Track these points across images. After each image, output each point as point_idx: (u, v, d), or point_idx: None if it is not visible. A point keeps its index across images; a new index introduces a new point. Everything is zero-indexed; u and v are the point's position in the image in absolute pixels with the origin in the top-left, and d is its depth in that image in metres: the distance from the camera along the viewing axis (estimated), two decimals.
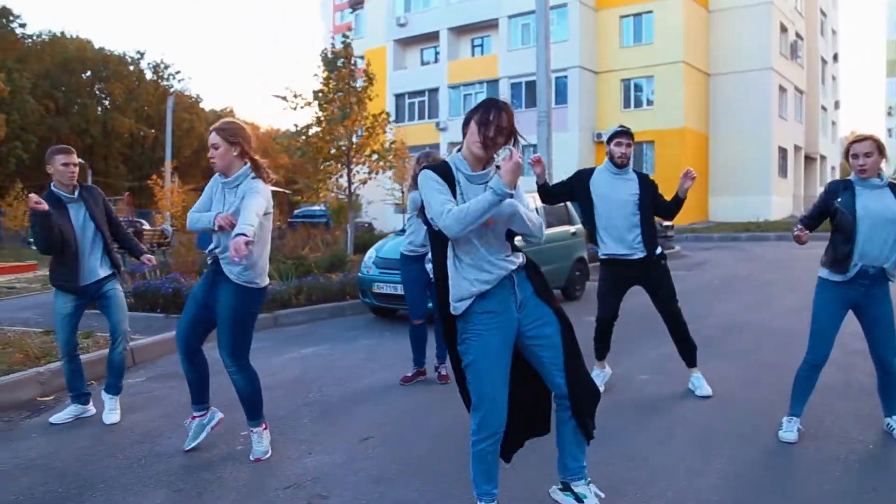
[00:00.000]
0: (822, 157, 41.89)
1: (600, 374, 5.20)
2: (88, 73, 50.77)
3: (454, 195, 2.76)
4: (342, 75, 13.80)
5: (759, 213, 30.22)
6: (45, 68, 46.96)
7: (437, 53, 37.06)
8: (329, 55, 13.96)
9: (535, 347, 2.89)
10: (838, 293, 3.94)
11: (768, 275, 12.93)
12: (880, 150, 3.79)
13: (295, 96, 13.89)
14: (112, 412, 4.59)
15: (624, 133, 4.91)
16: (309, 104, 13.87)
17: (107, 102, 51.30)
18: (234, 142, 3.75)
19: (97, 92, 51.51)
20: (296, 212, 28.23)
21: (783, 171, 34.16)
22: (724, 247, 21.48)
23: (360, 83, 14.36)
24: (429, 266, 5.36)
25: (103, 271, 4.61)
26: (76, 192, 4.52)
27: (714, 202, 33.17)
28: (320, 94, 13.79)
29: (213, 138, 3.76)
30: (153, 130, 48.99)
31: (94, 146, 48.01)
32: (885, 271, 3.85)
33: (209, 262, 3.90)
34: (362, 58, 36.39)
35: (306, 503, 3.27)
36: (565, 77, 31.88)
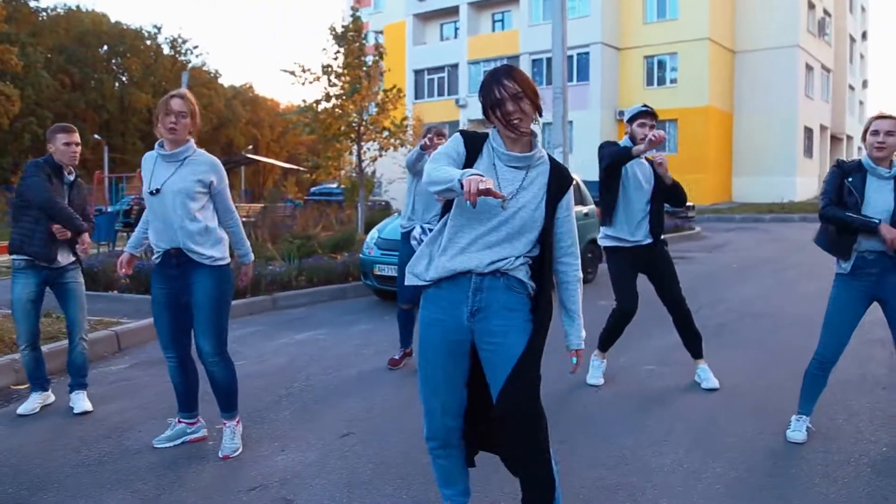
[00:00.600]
0: (849, 138, 40.96)
1: (600, 366, 4.96)
2: (105, 47, 50.81)
3: (470, 165, 2.38)
4: (352, 50, 13.48)
5: (784, 193, 29.72)
6: (59, 43, 47.05)
7: (456, 28, 36.51)
8: (339, 29, 13.62)
9: (485, 366, 2.44)
10: (852, 287, 3.65)
11: (790, 258, 12.54)
12: None
13: (303, 71, 13.61)
14: (81, 402, 4.37)
15: (647, 113, 4.64)
16: (318, 79, 13.59)
17: (124, 78, 51.36)
18: (195, 115, 3.57)
19: (114, 67, 51.59)
20: (312, 189, 27.99)
21: (808, 151, 33.44)
22: (747, 228, 21.11)
23: (370, 58, 14.02)
24: (414, 243, 5.17)
25: (64, 258, 4.36)
26: (73, 176, 4.33)
27: (738, 182, 32.63)
28: (329, 69, 13.49)
29: (182, 105, 3.49)
30: None
31: (110, 122, 48.21)
32: (884, 253, 3.54)
33: (155, 261, 3.63)
34: (381, 32, 36.04)
35: None
36: (587, 53, 31.34)
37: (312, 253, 9.82)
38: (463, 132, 2.45)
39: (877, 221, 3.47)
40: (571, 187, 2.47)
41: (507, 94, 2.30)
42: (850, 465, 3.42)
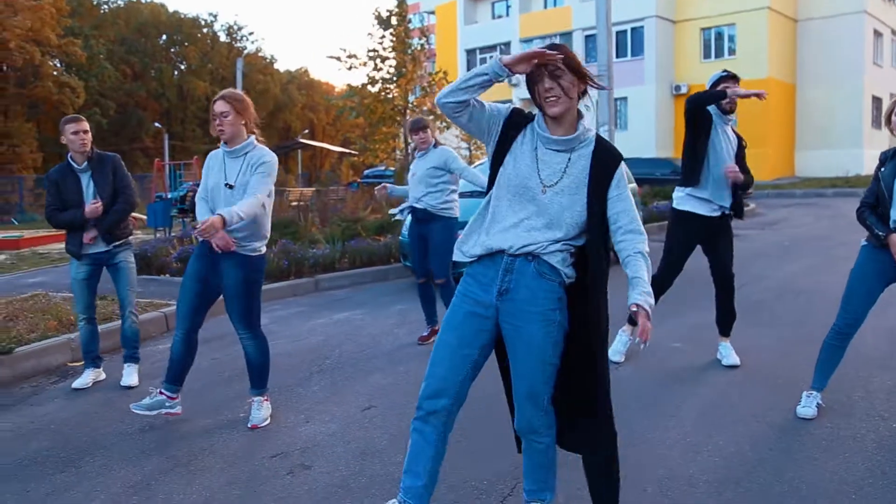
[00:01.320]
0: None
1: (627, 341, 4.96)
2: (163, 37, 52.29)
3: (510, 142, 2.37)
4: (397, 33, 13.63)
5: (850, 167, 28.39)
6: (120, 34, 48.64)
7: (508, 7, 36.23)
8: (383, 14, 13.79)
9: (507, 344, 2.47)
10: (876, 258, 3.62)
11: (846, 235, 12.10)
12: None
13: (349, 56, 13.85)
14: (130, 376, 4.77)
15: (730, 77, 4.58)
16: (364, 64, 13.80)
17: (182, 66, 52.82)
18: (241, 111, 3.77)
19: (172, 56, 53.08)
20: (366, 172, 28.38)
21: (877, 122, 31.80)
22: (807, 203, 20.30)
23: (416, 41, 14.17)
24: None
25: (107, 242, 4.68)
26: (85, 163, 4.61)
27: (801, 157, 31.37)
28: (374, 53, 13.69)
29: (223, 106, 3.74)
30: None
31: (170, 110, 49.67)
32: None
33: (198, 239, 3.84)
34: (432, 13, 35.95)
35: (287, 472, 3.29)
36: (641, 27, 30.60)
37: (356, 235, 10.06)
38: (514, 108, 2.43)
39: (882, 234, 3.45)
40: (622, 166, 2.39)
41: (547, 70, 2.25)
42: (854, 441, 3.44)
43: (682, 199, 4.70)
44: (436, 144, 5.50)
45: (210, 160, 3.91)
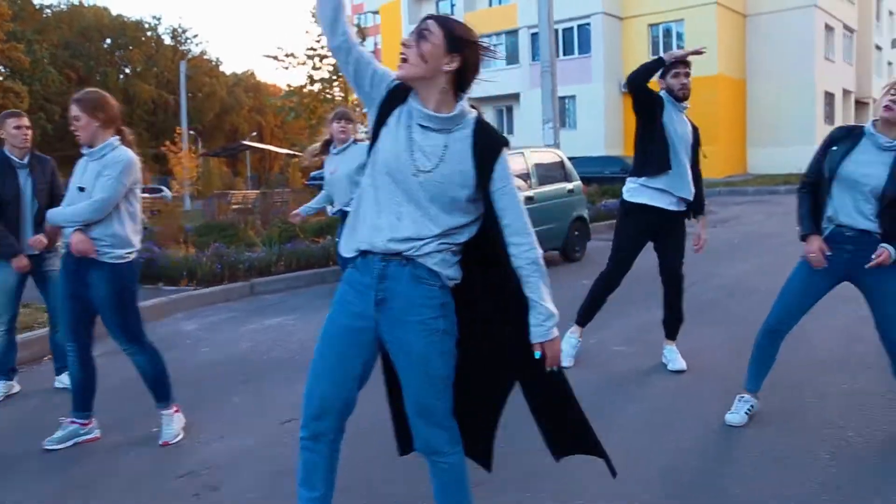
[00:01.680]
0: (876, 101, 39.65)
1: (576, 345, 4.69)
2: (107, 41, 51.51)
3: (388, 114, 2.09)
4: None
5: (803, 163, 28.10)
6: (64, 38, 47.85)
7: (452, 5, 36.02)
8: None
9: (396, 367, 2.25)
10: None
11: (796, 231, 12.16)
12: None
13: (286, 55, 13.57)
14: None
15: (680, 63, 4.28)
16: (302, 64, 13.53)
17: (127, 70, 52.03)
18: (93, 112, 3.53)
19: (117, 59, 52.30)
20: (312, 174, 27.89)
21: (829, 117, 31.97)
22: (759, 201, 20.30)
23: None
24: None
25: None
26: (26, 158, 4.44)
27: (753, 154, 31.33)
28: (312, 52, 13.44)
29: (73, 110, 3.54)
30: (174, 96, 49.37)
31: None
32: (869, 233, 3.25)
33: (64, 251, 3.66)
34: (377, 13, 35.69)
35: (193, 494, 3.07)
36: (588, 24, 30.61)
37: (294, 237, 9.80)
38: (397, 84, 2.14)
39: (805, 231, 3.33)
40: (505, 154, 2.13)
41: (415, 29, 2.05)
42: (807, 452, 3.23)
43: (636, 190, 4.44)
44: (356, 141, 5.32)
45: (77, 166, 3.68)
